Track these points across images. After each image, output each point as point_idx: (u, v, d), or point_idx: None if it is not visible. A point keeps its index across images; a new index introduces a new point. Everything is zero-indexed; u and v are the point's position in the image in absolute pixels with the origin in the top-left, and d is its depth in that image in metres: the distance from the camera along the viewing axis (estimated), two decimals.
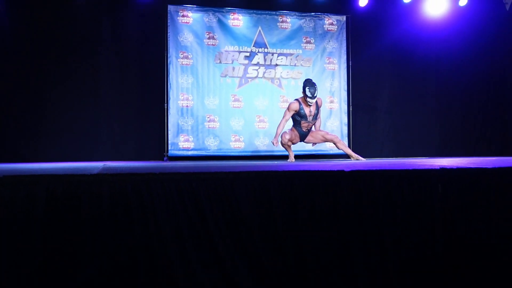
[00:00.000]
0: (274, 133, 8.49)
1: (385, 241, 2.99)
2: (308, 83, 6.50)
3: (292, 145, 6.77)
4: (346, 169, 3.03)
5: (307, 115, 6.56)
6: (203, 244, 2.75)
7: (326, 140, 6.95)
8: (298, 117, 6.59)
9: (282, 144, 6.74)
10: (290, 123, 6.83)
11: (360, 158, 6.75)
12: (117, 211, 2.67)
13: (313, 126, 6.81)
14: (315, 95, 6.43)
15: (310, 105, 6.52)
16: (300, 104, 6.55)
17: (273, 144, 6.60)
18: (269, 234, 2.87)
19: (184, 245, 2.71)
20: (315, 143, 7.02)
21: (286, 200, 2.90)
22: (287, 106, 6.73)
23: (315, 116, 6.66)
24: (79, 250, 2.62)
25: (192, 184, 2.76)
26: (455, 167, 3.30)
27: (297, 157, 7.05)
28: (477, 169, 3.27)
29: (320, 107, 6.70)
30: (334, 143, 6.88)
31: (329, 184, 2.94)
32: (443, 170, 3.15)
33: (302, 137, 6.76)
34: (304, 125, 6.64)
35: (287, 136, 6.63)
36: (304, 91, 6.48)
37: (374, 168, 3.15)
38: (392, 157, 8.52)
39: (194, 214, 2.77)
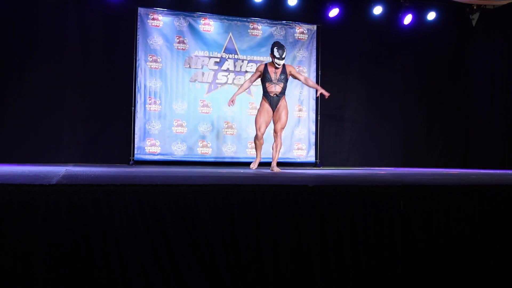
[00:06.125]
0: (241, 139, 8.45)
1: (345, 257, 3.01)
2: (277, 45, 6.17)
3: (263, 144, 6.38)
4: (309, 184, 3.03)
5: (271, 77, 6.20)
6: (163, 259, 2.71)
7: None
8: (264, 80, 6.24)
9: (255, 140, 6.39)
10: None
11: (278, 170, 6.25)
12: (74, 224, 2.61)
13: (283, 100, 6.29)
14: (283, 56, 6.10)
15: (277, 68, 6.18)
16: (266, 66, 6.26)
17: (228, 104, 6.46)
18: (231, 248, 2.85)
19: (144, 260, 2.66)
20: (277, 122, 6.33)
21: (248, 214, 2.88)
22: None
23: (281, 80, 6.23)
24: (34, 263, 2.55)
25: (153, 197, 2.72)
26: (417, 184, 3.34)
27: (264, 164, 6.98)
28: (438, 186, 3.31)
29: (291, 74, 6.29)
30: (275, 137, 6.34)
31: (291, 199, 2.94)
32: (405, 187, 3.18)
33: (272, 106, 6.26)
34: (270, 89, 6.22)
35: (259, 119, 6.29)
36: (272, 52, 6.14)
37: (337, 184, 3.16)
38: (358, 166, 8.62)
39: (155, 228, 2.72)
